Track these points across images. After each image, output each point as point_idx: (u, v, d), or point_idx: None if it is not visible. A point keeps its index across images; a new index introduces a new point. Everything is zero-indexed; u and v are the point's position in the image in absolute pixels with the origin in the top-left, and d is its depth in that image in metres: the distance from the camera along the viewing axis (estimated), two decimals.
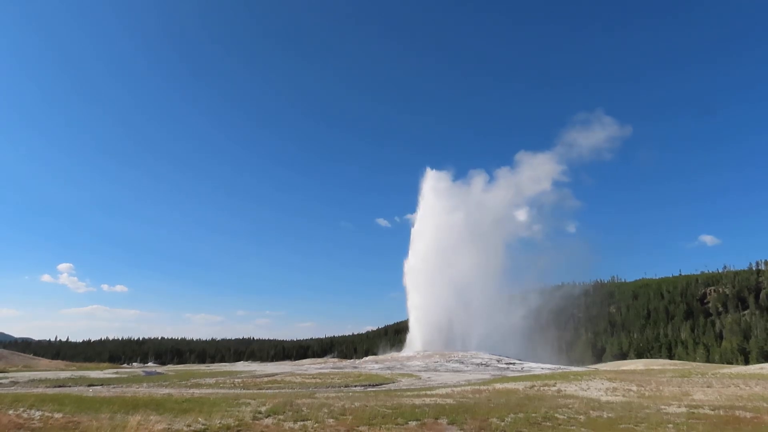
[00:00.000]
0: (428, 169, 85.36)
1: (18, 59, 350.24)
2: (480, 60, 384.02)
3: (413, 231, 79.94)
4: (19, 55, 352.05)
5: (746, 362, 76.68)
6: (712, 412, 15.14)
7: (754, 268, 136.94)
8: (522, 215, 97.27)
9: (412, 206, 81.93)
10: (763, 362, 55.09)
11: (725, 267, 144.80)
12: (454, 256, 78.63)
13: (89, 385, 27.18)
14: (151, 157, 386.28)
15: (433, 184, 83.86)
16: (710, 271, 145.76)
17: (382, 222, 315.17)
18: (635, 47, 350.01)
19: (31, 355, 70.73)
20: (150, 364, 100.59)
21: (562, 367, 49.06)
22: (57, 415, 12.00)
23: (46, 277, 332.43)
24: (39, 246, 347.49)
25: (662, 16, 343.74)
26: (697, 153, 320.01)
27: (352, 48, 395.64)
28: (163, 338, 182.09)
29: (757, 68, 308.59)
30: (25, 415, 11.95)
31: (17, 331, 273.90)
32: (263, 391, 23.71)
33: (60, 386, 26.39)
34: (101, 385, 27.66)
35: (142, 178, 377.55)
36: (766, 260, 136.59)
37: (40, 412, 12.37)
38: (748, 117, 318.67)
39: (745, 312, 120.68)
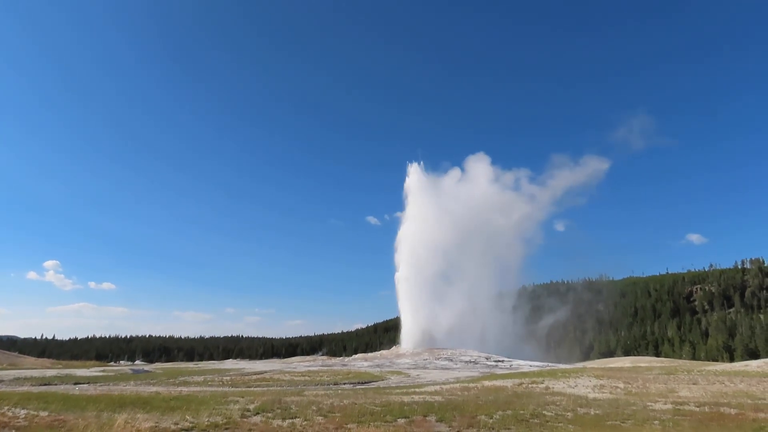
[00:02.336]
0: (416, 164, 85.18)
1: (6, 55, 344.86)
2: (472, 58, 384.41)
3: (403, 228, 79.95)
4: (6, 51, 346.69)
5: (731, 359, 77.70)
6: (698, 409, 15.34)
7: (739, 267, 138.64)
8: (519, 216, 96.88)
9: (403, 204, 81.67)
10: (747, 359, 55.80)
11: (711, 265, 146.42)
12: (445, 255, 78.80)
13: (75, 384, 26.94)
14: (139, 154, 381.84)
15: (419, 180, 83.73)
16: (697, 270, 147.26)
17: (372, 220, 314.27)
18: (625, 47, 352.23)
19: (16, 353, 69.97)
20: (138, 362, 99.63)
21: (550, 364, 49.42)
22: (42, 414, 11.89)
23: (32, 275, 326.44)
24: (25, 243, 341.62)
25: (651, 16, 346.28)
26: (685, 152, 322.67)
27: (343, 46, 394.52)
28: (151, 336, 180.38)
29: (751, 68, 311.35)
30: (9, 414, 11.82)
31: (2, 329, 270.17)
32: (252, 389, 23.65)
33: (46, 384, 26.12)
34: (88, 383, 27.40)
35: (130, 175, 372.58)
36: (751, 259, 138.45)
37: (25, 411, 12.24)
38: (738, 117, 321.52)
39: (731, 310, 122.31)
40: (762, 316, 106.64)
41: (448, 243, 79.95)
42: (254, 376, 32.51)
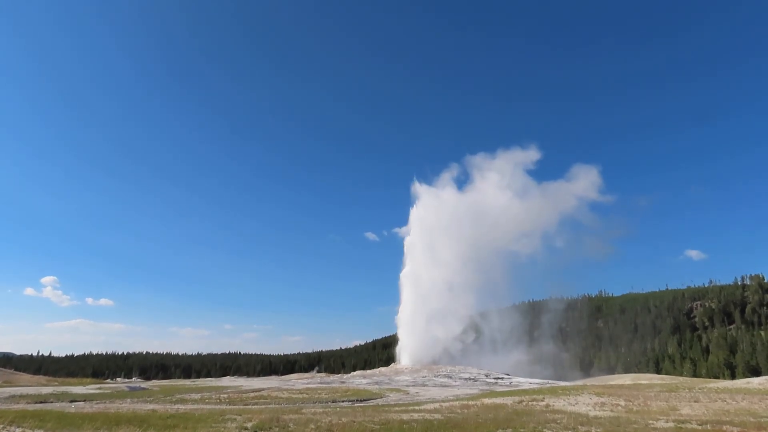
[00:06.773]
0: (415, 181, 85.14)
1: (2, 68, 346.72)
2: (467, 75, 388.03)
3: (406, 243, 79.65)
4: (4, 64, 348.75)
5: (732, 376, 77.12)
6: (699, 427, 15.20)
7: (739, 283, 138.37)
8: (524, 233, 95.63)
9: (401, 220, 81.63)
10: (749, 376, 55.43)
11: (711, 281, 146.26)
12: (449, 270, 78.47)
13: (72, 401, 26.64)
14: (138, 169, 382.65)
15: (425, 194, 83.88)
16: (696, 286, 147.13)
17: (371, 236, 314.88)
18: (623, 63, 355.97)
19: (12, 370, 69.25)
20: (134, 379, 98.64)
21: (550, 381, 49.04)
22: None
23: (29, 291, 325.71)
24: (22, 259, 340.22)
25: (645, 31, 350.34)
26: (684, 167, 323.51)
27: (340, 61, 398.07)
28: (148, 353, 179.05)
29: (750, 81, 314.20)
30: None
31: None
32: (249, 406, 23.41)
33: (41, 402, 25.85)
34: (84, 400, 27.11)
35: (129, 190, 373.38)
36: (751, 275, 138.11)
37: (20, 429, 12.13)
38: (736, 132, 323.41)
39: (731, 326, 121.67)
40: (763, 333, 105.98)
41: (452, 257, 79.72)
42: (252, 394, 32.20)
